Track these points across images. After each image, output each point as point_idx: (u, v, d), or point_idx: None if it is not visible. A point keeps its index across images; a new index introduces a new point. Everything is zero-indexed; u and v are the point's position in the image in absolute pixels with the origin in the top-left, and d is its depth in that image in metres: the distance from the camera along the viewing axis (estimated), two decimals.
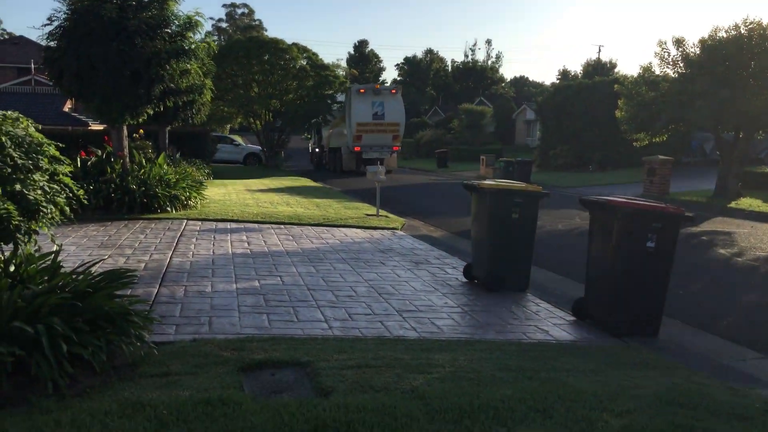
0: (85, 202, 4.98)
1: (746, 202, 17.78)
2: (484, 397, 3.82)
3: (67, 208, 4.55)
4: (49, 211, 4.36)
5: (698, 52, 18.76)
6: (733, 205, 17.57)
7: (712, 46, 18.28)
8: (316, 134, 37.08)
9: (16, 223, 4.10)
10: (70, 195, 4.69)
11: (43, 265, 4.67)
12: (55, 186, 4.55)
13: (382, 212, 13.77)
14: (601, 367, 4.87)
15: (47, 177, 4.61)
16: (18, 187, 4.23)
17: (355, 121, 29.31)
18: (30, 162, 4.44)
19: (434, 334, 5.44)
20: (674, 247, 5.97)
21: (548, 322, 6.18)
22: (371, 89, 29.95)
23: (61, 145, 4.75)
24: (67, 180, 4.66)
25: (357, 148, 29.72)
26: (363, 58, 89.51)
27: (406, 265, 8.43)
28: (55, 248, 4.84)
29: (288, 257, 8.49)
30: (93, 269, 4.83)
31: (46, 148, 4.62)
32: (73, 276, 4.52)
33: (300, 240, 9.99)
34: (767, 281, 8.72)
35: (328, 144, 33.81)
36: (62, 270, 4.70)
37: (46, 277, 4.54)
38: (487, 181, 7.94)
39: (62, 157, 4.74)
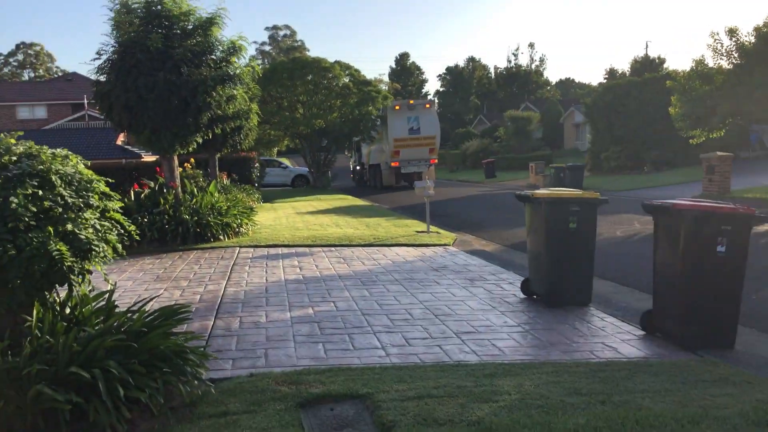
0: (137, 237, 4.96)
1: None
2: (557, 426, 3.59)
3: (119, 246, 4.53)
4: (101, 249, 4.34)
5: (753, 40, 18.04)
6: None
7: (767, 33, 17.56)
8: (356, 152, 38.07)
9: (69, 264, 4.08)
10: (122, 231, 4.68)
11: (98, 305, 4.67)
12: (106, 223, 4.54)
13: (432, 228, 13.58)
14: (678, 385, 4.57)
15: (98, 214, 4.60)
16: (70, 226, 4.22)
17: (392, 137, 30.22)
18: (80, 200, 4.44)
19: (496, 357, 5.22)
20: (746, 250, 5.61)
21: (615, 338, 5.88)
22: (406, 105, 30.97)
23: (110, 180, 4.74)
24: (118, 216, 4.64)
25: (395, 164, 30.83)
26: (405, 71, 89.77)
27: (460, 283, 8.22)
28: (109, 287, 4.84)
29: (340, 281, 8.40)
30: (148, 306, 4.81)
31: (96, 185, 4.61)
32: (128, 315, 4.49)
33: (351, 262, 9.89)
34: None
35: (368, 161, 34.71)
36: (117, 309, 4.69)
37: (101, 318, 4.53)
38: (541, 190, 7.68)
39: (112, 193, 4.73)
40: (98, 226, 4.48)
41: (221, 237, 11.86)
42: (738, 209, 5.59)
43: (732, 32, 18.48)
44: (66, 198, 4.30)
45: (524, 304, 7.19)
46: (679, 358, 5.33)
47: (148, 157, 26.65)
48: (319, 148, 34.78)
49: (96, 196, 4.56)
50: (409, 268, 9.32)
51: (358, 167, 38.52)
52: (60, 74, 67.79)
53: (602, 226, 12.22)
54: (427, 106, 31.58)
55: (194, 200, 12.39)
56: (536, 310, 6.87)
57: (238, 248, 11.15)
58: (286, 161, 41.23)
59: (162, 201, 11.89)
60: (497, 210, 19.38)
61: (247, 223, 12.92)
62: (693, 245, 5.56)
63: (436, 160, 31.87)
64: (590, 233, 7.08)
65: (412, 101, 31.68)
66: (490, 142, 53.38)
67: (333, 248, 11.27)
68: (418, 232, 13.39)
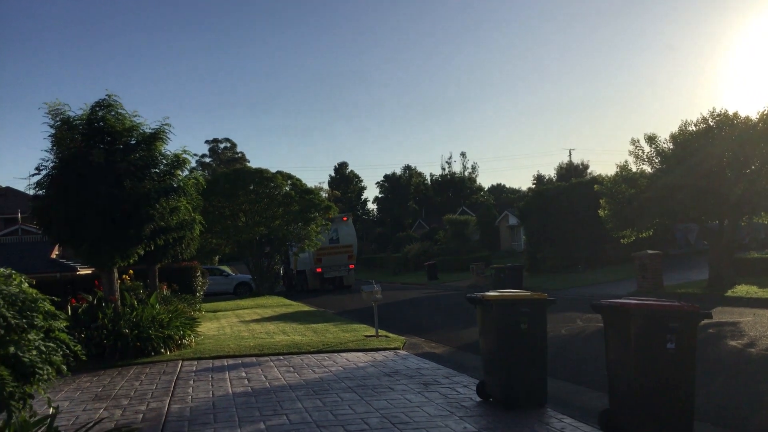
0: (83, 358, 4.72)
1: (743, 290, 17.71)
2: None
3: (64, 367, 4.31)
4: (45, 372, 4.11)
5: (671, 146, 19.34)
6: (730, 293, 17.46)
7: (684, 141, 18.87)
8: (284, 260, 40.06)
9: (11, 389, 3.84)
10: (67, 352, 4.45)
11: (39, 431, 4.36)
12: (51, 344, 4.33)
13: (381, 332, 13.45)
14: None
15: (42, 335, 4.39)
16: (12, 349, 4.00)
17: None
18: (24, 321, 4.24)
19: None
20: (695, 345, 5.77)
21: None
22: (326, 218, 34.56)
23: (56, 299, 4.57)
24: (64, 336, 4.44)
25: (318, 269, 35.28)
26: (344, 179, 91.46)
27: (415, 388, 8.08)
28: (51, 410, 4.54)
29: (291, 391, 8.12)
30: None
31: (41, 304, 4.43)
32: None
33: (302, 371, 9.62)
34: None
35: (295, 267, 37.85)
36: None
37: None
38: (491, 293, 7.76)
39: (58, 312, 4.55)
40: (42, 348, 4.27)
41: (163, 350, 11.37)
42: (683, 306, 5.80)
43: (651, 139, 19.80)
44: (9, 319, 4.11)
45: (482, 407, 7.10)
46: None
47: (84, 270, 25.79)
48: (262, 255, 34.76)
49: (41, 316, 4.37)
50: (362, 375, 9.12)
51: (287, 273, 40.91)
52: None
53: (547, 325, 12.38)
54: (345, 219, 36.38)
55: (134, 313, 11.95)
56: (494, 414, 6.78)
57: (180, 361, 10.69)
58: (227, 269, 40.62)
59: (100, 315, 11.41)
60: (443, 311, 19.43)
61: (189, 335, 12.48)
62: (644, 343, 5.68)
63: (354, 266, 36.66)
64: (541, 333, 7.16)
65: (331, 215, 34.92)
66: (431, 245, 54.26)
67: (282, 357, 10.97)
68: (366, 336, 13.22)
